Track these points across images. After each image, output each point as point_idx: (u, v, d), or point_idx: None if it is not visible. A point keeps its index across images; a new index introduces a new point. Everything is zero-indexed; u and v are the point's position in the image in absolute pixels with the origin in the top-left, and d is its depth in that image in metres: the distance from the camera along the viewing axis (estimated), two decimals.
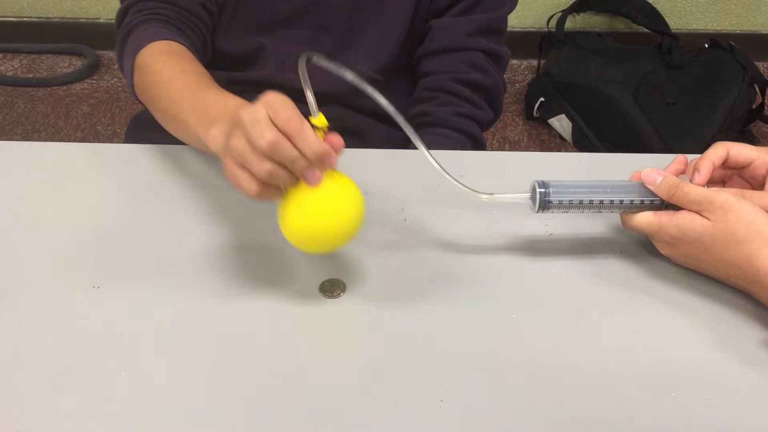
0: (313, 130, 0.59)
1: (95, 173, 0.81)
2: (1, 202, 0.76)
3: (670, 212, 0.64)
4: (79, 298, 0.66)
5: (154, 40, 0.80)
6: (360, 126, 0.98)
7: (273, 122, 0.58)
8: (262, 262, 0.70)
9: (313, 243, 0.64)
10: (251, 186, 0.59)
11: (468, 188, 0.67)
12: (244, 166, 0.59)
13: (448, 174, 0.67)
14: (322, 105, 0.97)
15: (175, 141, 0.95)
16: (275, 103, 0.58)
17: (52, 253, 0.71)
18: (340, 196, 0.62)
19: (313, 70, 0.95)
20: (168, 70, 0.76)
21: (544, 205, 0.66)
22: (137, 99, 0.83)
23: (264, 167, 0.58)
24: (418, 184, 0.70)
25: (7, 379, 0.60)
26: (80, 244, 0.72)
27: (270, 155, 0.58)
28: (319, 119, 0.61)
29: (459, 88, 0.96)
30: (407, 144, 0.98)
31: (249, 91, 0.96)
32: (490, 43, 0.97)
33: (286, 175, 0.59)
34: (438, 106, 0.96)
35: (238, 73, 0.95)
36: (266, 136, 0.57)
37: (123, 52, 0.84)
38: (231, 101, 0.68)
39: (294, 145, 0.58)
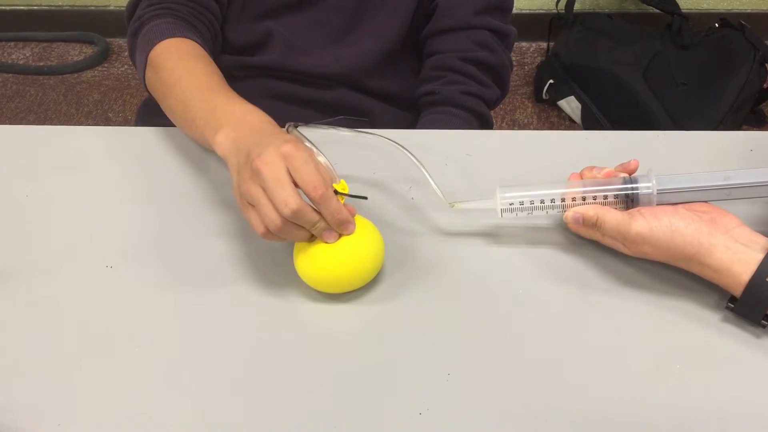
0: (336, 196, 0.61)
1: (107, 156, 0.82)
2: (15, 184, 0.78)
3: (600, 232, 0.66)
4: (92, 277, 0.68)
5: (167, 37, 0.80)
6: (368, 107, 0.98)
7: (294, 181, 0.59)
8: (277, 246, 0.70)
9: (329, 288, 0.65)
10: (260, 228, 0.61)
11: (439, 194, 0.69)
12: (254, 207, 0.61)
13: (430, 177, 0.68)
14: (331, 88, 0.98)
15: None
16: (297, 161, 0.59)
17: (65, 233, 0.72)
18: (356, 247, 0.63)
19: (321, 53, 0.95)
20: (179, 70, 0.77)
21: (505, 210, 0.68)
22: (148, 92, 0.84)
23: (278, 224, 0.59)
24: (426, 163, 0.71)
25: (21, 356, 0.62)
26: (93, 224, 0.73)
27: (291, 221, 0.59)
28: (341, 185, 0.63)
29: (466, 67, 0.96)
30: (414, 125, 0.99)
31: (258, 75, 0.97)
32: (496, 21, 0.97)
33: (302, 233, 0.61)
34: (445, 85, 0.96)
35: (247, 58, 0.95)
36: (290, 204, 0.58)
37: (134, 46, 0.85)
38: (237, 107, 0.69)
39: (317, 211, 0.60)
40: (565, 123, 2.04)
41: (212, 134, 0.67)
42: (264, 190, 0.59)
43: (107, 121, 2.06)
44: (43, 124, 2.05)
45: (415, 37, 1.00)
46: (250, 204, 0.61)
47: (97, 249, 0.70)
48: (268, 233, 0.61)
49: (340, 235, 0.62)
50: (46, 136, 0.85)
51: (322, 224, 0.61)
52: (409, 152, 0.71)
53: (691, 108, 1.86)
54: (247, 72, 0.95)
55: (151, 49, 0.80)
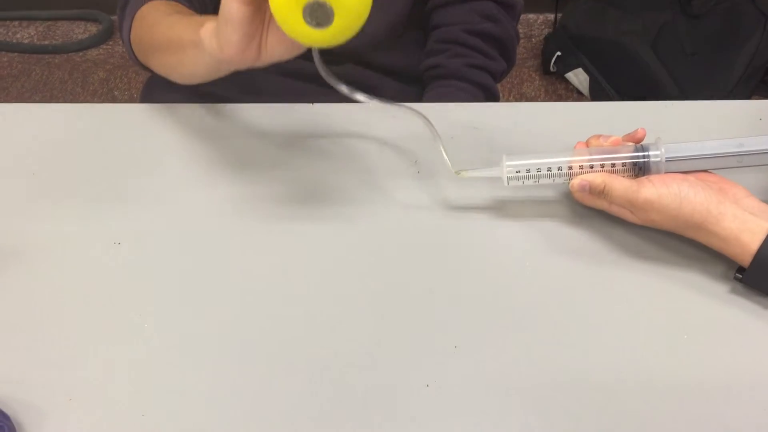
0: None
1: (113, 133, 0.81)
2: (21, 163, 0.78)
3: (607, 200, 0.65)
4: (101, 254, 0.68)
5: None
6: (374, 83, 0.98)
7: None
8: (280, 216, 0.71)
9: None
10: None
11: (446, 160, 0.69)
12: None
13: (440, 141, 0.67)
14: (337, 63, 0.97)
15: (188, 99, 0.95)
16: None
17: (72, 211, 0.72)
18: None
19: None
20: (166, 12, 0.77)
21: (512, 178, 0.68)
22: (136, 60, 0.83)
23: None
24: (431, 137, 0.70)
25: (31, 334, 0.62)
26: (100, 201, 0.73)
27: None
28: None
29: (471, 39, 0.95)
30: (419, 99, 0.98)
31: (259, 70, 0.96)
32: None
33: None
34: (450, 58, 0.95)
35: None
36: None
37: (123, 17, 0.85)
38: None
39: None
40: (573, 95, 2.02)
41: (198, 29, 0.64)
42: None
43: (113, 99, 2.06)
44: (49, 102, 2.05)
45: (420, 10, 0.99)
46: None
47: (104, 226, 0.70)
48: None
49: None
50: (52, 114, 0.85)
51: None
52: (425, 117, 0.69)
53: (701, 78, 1.84)
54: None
55: (135, 12, 0.80)
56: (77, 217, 0.72)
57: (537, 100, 2.01)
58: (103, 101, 2.06)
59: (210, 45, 0.63)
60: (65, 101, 2.05)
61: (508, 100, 2.00)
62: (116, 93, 2.08)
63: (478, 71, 0.95)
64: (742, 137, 0.64)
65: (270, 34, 0.61)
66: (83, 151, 0.79)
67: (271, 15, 0.60)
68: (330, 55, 0.96)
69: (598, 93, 1.95)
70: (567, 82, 2.04)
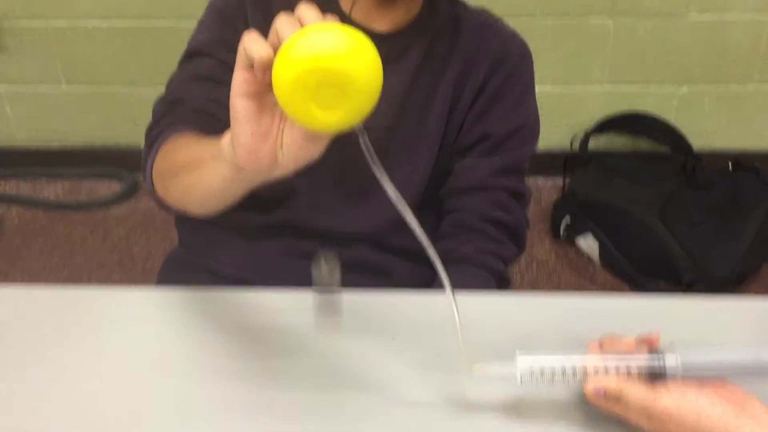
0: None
1: (127, 318, 0.82)
2: (30, 348, 0.78)
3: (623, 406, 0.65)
4: None
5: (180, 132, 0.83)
6: (387, 265, 1.00)
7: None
8: (292, 411, 0.70)
9: (305, 90, 0.54)
10: (262, 46, 0.56)
11: (463, 353, 0.67)
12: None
13: (458, 328, 0.68)
14: (351, 246, 1.00)
15: (204, 279, 0.97)
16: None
17: (82, 400, 0.72)
18: (345, 27, 0.54)
19: (342, 211, 0.98)
20: (187, 138, 0.80)
21: (525, 377, 0.67)
22: (154, 193, 0.85)
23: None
24: (443, 326, 0.71)
25: None
26: (112, 391, 0.73)
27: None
28: None
29: (483, 226, 0.98)
30: (432, 280, 1.00)
31: (280, 234, 0.99)
32: (512, 182, 0.99)
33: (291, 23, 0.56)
34: (463, 243, 0.98)
35: (269, 216, 0.98)
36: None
37: (148, 153, 0.86)
38: None
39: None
40: (584, 260, 2.04)
41: (218, 144, 0.65)
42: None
43: (131, 256, 2.10)
44: (69, 259, 2.09)
45: (434, 195, 1.03)
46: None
47: (115, 417, 0.70)
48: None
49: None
50: (64, 297, 0.86)
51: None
52: (454, 300, 0.70)
53: (710, 247, 1.87)
54: (268, 231, 0.98)
55: (161, 145, 0.83)
56: (87, 406, 0.71)
57: (548, 264, 2.04)
58: (121, 257, 2.10)
59: (228, 151, 0.63)
60: (85, 257, 2.10)
61: (519, 264, 2.03)
62: (135, 249, 2.13)
63: (490, 257, 0.97)
64: (759, 348, 0.64)
65: (284, 136, 0.61)
66: (95, 336, 0.80)
67: (282, 116, 0.61)
68: (344, 238, 0.99)
69: (607, 259, 1.97)
70: (577, 245, 2.07)
